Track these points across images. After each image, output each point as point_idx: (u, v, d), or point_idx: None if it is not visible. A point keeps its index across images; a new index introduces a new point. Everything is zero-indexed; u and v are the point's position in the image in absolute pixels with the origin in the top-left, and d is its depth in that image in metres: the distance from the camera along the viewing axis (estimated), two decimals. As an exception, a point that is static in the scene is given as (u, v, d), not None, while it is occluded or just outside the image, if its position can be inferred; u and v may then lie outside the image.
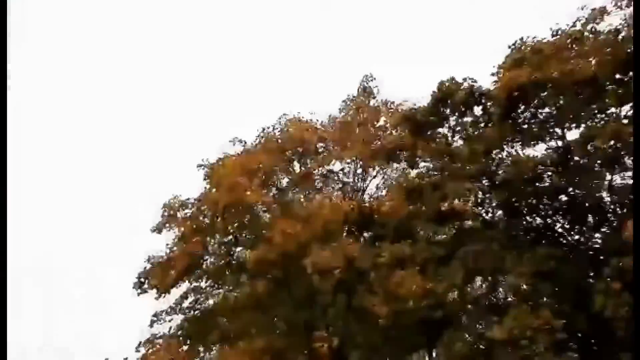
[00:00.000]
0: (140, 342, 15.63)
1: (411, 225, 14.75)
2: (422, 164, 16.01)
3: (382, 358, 17.17)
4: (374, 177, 18.17)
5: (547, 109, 13.44)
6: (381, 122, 17.93)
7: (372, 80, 18.03)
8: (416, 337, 15.45)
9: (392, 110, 17.58)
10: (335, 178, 17.98)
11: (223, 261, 17.12)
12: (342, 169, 17.91)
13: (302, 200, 17.52)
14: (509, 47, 13.47)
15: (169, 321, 16.89)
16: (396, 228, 14.85)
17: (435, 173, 15.03)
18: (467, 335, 13.40)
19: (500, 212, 14.83)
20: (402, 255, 13.01)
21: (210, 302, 17.79)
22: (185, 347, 16.29)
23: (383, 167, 17.68)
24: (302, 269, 14.25)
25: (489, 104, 13.76)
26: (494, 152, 13.98)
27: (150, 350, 15.22)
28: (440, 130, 14.82)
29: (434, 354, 19.02)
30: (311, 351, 16.53)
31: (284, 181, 18.11)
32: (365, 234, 17.04)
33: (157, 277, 15.82)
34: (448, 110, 14.22)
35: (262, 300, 16.74)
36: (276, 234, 14.40)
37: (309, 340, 16.50)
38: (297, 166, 17.93)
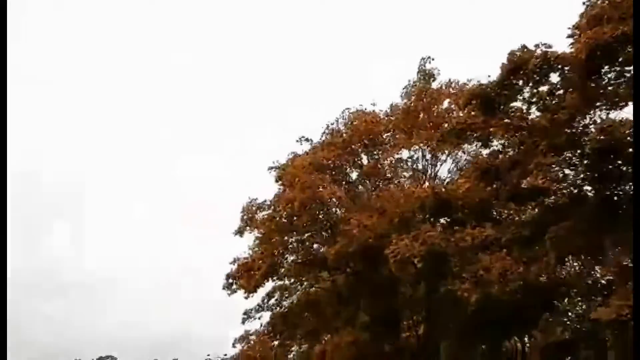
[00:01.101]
0: (235, 339, 16.67)
1: (491, 207, 14.10)
2: (495, 143, 15.25)
3: (473, 346, 16.68)
4: (445, 161, 17.68)
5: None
6: (445, 105, 17.39)
7: (430, 62, 17.50)
8: (509, 322, 14.80)
9: (455, 91, 16.96)
10: (405, 166, 17.74)
11: (303, 258, 17.63)
12: (410, 157, 17.65)
13: (373, 191, 17.52)
14: (583, 3, 12.33)
15: (259, 318, 17.77)
16: (475, 211, 14.29)
17: (511, 150, 14.22)
18: (565, 319, 12.61)
19: (588, 186, 13.66)
20: (486, 238, 12.50)
21: (294, 298, 18.40)
22: (276, 343, 17.02)
23: (453, 150, 17.11)
24: (382, 260, 14.25)
25: (566, 68, 12.70)
26: (577, 119, 12.90)
27: (246, 346, 16.12)
28: (513, 104, 13.97)
29: (526, 340, 18.10)
30: (398, 342, 16.52)
31: (354, 175, 18.23)
32: (443, 220, 16.63)
33: (243, 278, 16.69)
34: (521, 82, 13.32)
35: (343, 294, 17.03)
36: (353, 227, 14.52)
37: (395, 331, 16.50)
38: (364, 158, 17.95)
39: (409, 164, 17.83)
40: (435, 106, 17.34)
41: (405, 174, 17.91)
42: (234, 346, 16.65)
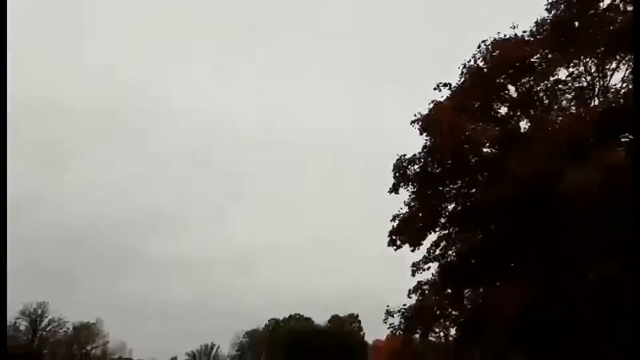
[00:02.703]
0: (409, 290, 17.50)
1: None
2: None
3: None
4: (617, 69, 15.00)
5: None
6: (607, 1, 14.65)
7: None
8: None
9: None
10: (565, 87, 15.67)
11: (462, 206, 17.32)
12: (570, 74, 15.47)
13: (530, 123, 16.02)
14: None
15: (427, 269, 18.23)
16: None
17: None
18: None
19: None
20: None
21: (459, 247, 18.26)
22: (449, 291, 17.30)
23: (626, 55, 14.40)
24: (549, 197, 13.09)
25: None
26: None
27: (420, 297, 16.83)
28: None
29: None
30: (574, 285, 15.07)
31: (502, 110, 16.89)
32: (624, 139, 14.33)
33: (405, 233, 17.25)
34: None
35: (510, 239, 16.20)
36: (512, 165, 13.62)
37: (573, 275, 15.07)
38: (512, 89, 16.43)
39: (570, 84, 15.66)
40: (594, 9, 14.77)
41: (567, 95, 15.81)
42: (409, 296, 17.43)
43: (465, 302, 17.79)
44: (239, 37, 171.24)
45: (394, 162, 17.25)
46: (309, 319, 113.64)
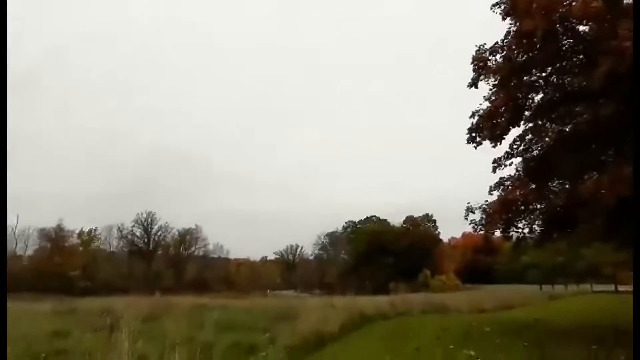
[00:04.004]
0: (490, 187, 17.21)
1: None
2: None
3: None
4: None
5: None
6: None
7: None
8: None
9: None
10: None
11: (551, 95, 15.85)
12: None
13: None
14: None
15: (509, 165, 17.58)
16: None
17: None
18: None
19: None
20: None
21: (547, 139, 17.12)
22: (534, 185, 16.70)
23: None
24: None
25: None
26: None
27: (503, 193, 16.52)
28: None
29: None
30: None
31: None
32: None
33: (486, 129, 16.45)
34: None
35: (610, 125, 14.71)
36: (622, 40, 11.81)
37: None
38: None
39: None
40: None
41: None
42: (490, 193, 17.19)
43: (551, 196, 17.15)
44: None
45: (473, 53, 15.91)
46: (384, 221, 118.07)
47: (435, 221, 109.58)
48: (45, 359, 9.01)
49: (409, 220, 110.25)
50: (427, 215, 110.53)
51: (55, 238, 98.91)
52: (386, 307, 23.05)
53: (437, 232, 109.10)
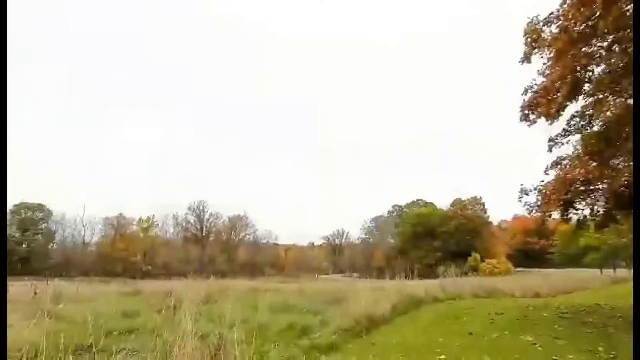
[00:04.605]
0: (547, 166, 16.38)
1: None
2: None
3: None
4: None
5: None
6: None
7: None
8: None
9: None
10: None
11: (613, 66, 14.69)
12: None
13: None
14: None
15: (566, 142, 16.64)
16: None
17: None
18: None
19: None
20: None
21: (609, 113, 15.99)
22: (594, 164, 15.72)
23: None
24: None
25: None
26: None
27: (561, 172, 15.69)
28: None
29: None
30: None
31: None
32: None
33: (541, 105, 15.60)
34: None
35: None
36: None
37: None
38: None
39: None
40: None
41: None
42: (546, 173, 16.38)
43: (614, 174, 16.09)
44: None
45: (525, 26, 15.00)
46: (431, 204, 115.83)
47: (484, 204, 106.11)
48: (118, 336, 9.87)
49: (457, 203, 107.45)
50: (475, 197, 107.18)
51: (117, 226, 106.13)
52: (437, 290, 22.79)
53: (486, 215, 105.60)
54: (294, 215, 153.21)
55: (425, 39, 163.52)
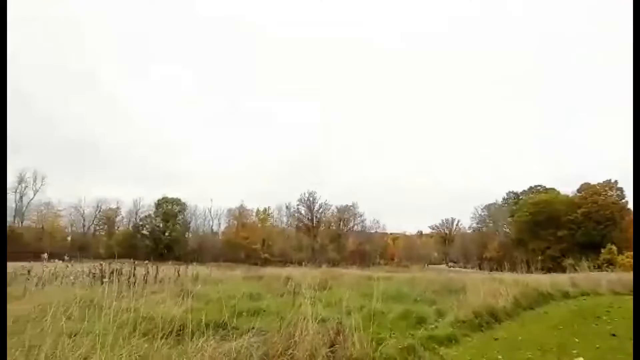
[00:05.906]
0: None
1: None
2: None
3: None
4: None
5: None
6: None
7: None
8: None
9: None
10: None
11: None
12: None
13: None
14: None
15: None
16: None
17: None
18: None
19: None
20: None
21: None
22: None
23: None
24: None
25: None
26: None
27: None
28: None
29: None
30: None
31: None
32: None
33: None
34: None
35: None
36: None
37: None
38: None
39: None
40: None
41: None
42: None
43: None
44: None
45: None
46: (552, 190, 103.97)
47: (621, 189, 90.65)
48: (247, 317, 10.88)
49: (585, 187, 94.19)
50: (609, 181, 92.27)
51: (239, 216, 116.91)
52: (566, 284, 20.45)
53: (623, 201, 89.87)
54: (403, 204, 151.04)
55: (425, 39, 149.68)
